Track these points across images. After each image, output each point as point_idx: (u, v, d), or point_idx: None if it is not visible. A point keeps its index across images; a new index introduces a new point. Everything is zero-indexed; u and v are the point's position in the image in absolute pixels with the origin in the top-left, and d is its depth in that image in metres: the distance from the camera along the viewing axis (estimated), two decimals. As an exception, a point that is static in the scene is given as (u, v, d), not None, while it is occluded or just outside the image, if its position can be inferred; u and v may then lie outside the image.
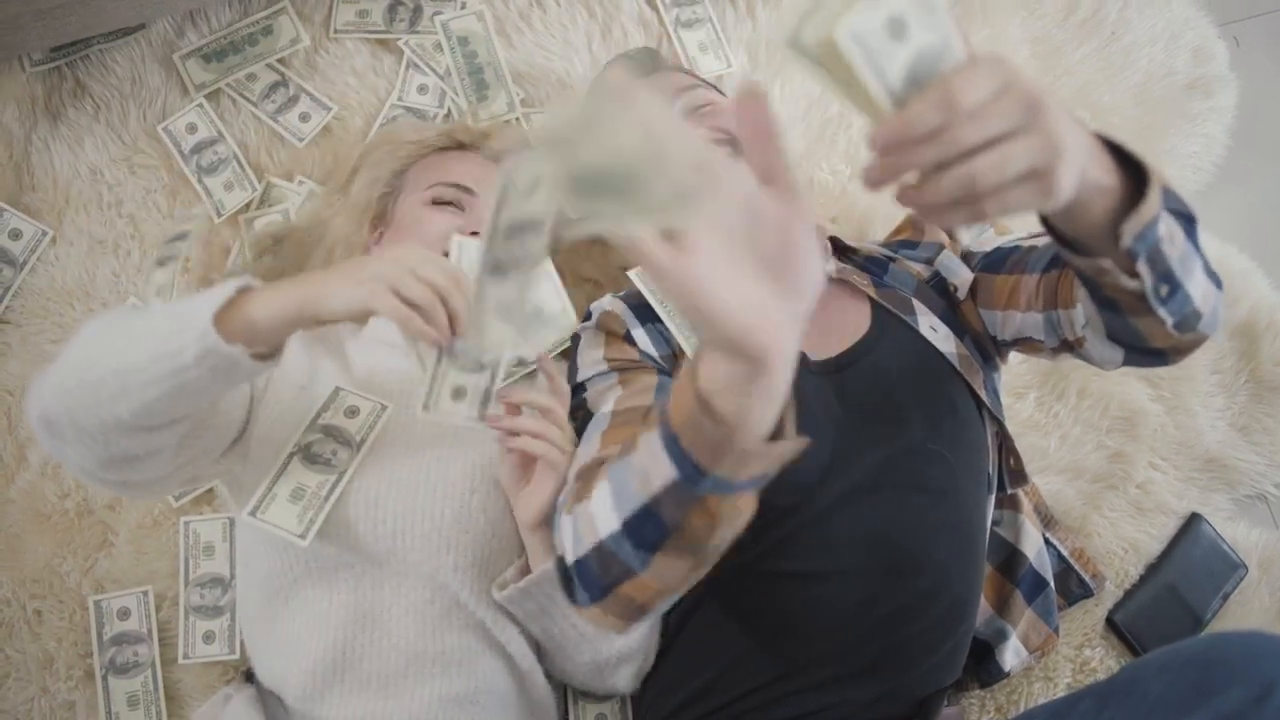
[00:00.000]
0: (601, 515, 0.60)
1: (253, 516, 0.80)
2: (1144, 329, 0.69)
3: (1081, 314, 0.76)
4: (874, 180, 0.50)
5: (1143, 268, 0.61)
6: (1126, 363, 0.77)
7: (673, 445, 0.53)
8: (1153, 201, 0.59)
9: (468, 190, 0.99)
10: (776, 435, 0.52)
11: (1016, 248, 0.91)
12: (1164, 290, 0.64)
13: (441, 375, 0.80)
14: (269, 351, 0.71)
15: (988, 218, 0.50)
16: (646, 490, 0.56)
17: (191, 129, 1.18)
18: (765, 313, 0.44)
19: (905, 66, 0.46)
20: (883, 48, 0.45)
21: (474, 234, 0.90)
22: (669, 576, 0.60)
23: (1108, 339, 0.75)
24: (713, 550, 0.59)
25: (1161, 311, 0.65)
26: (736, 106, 0.44)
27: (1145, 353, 0.74)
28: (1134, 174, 0.59)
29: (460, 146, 1.08)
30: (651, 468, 0.55)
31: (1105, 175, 0.57)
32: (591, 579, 0.62)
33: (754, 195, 0.45)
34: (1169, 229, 0.62)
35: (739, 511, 0.56)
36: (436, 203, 0.98)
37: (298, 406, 0.87)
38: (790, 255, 0.45)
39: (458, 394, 0.81)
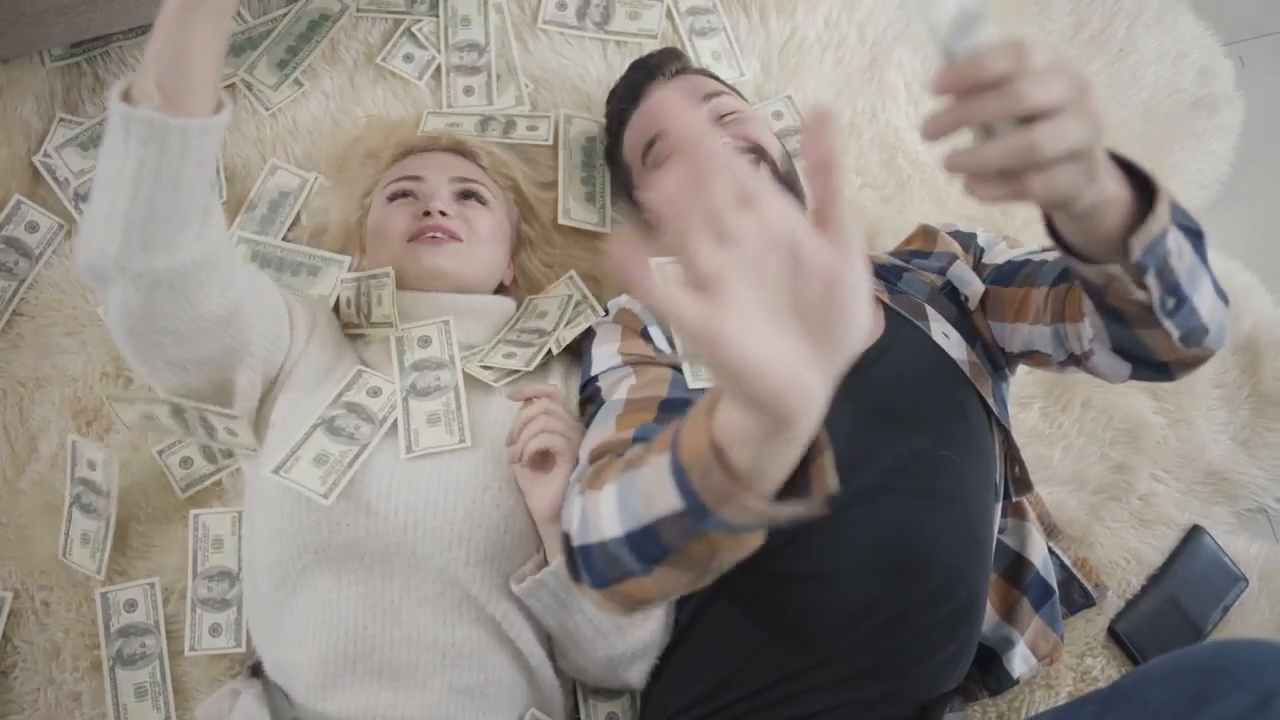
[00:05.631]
0: (607, 518, 0.61)
1: (276, 474, 0.82)
2: (1149, 341, 0.70)
3: (1089, 327, 0.77)
4: (933, 131, 0.50)
5: (1151, 280, 0.62)
6: (1133, 377, 0.78)
7: (680, 478, 0.51)
8: (1161, 215, 0.60)
9: (416, 178, 1.03)
10: (797, 487, 0.50)
11: (1027, 261, 0.92)
12: (1170, 303, 0.65)
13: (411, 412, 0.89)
14: (185, 93, 0.72)
15: (1031, 197, 0.51)
16: (650, 512, 0.55)
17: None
18: (798, 371, 0.40)
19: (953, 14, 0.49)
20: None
21: None
22: (669, 584, 0.60)
23: (1113, 352, 0.76)
24: (715, 570, 0.58)
25: (1168, 324, 0.66)
26: (804, 131, 0.42)
27: (1151, 366, 0.75)
28: (1143, 190, 0.61)
29: (412, 152, 1.11)
30: (657, 493, 0.54)
31: (1117, 186, 0.58)
32: (595, 569, 0.63)
33: (800, 238, 0.39)
34: (1178, 244, 0.63)
35: (743, 546, 0.54)
36: (392, 199, 1.03)
37: (319, 391, 0.90)
38: (833, 308, 0.40)
39: (432, 419, 0.88)
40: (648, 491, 0.55)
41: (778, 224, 0.39)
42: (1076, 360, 0.83)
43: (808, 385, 0.40)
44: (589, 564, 0.64)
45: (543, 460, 0.84)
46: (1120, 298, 0.66)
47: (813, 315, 0.40)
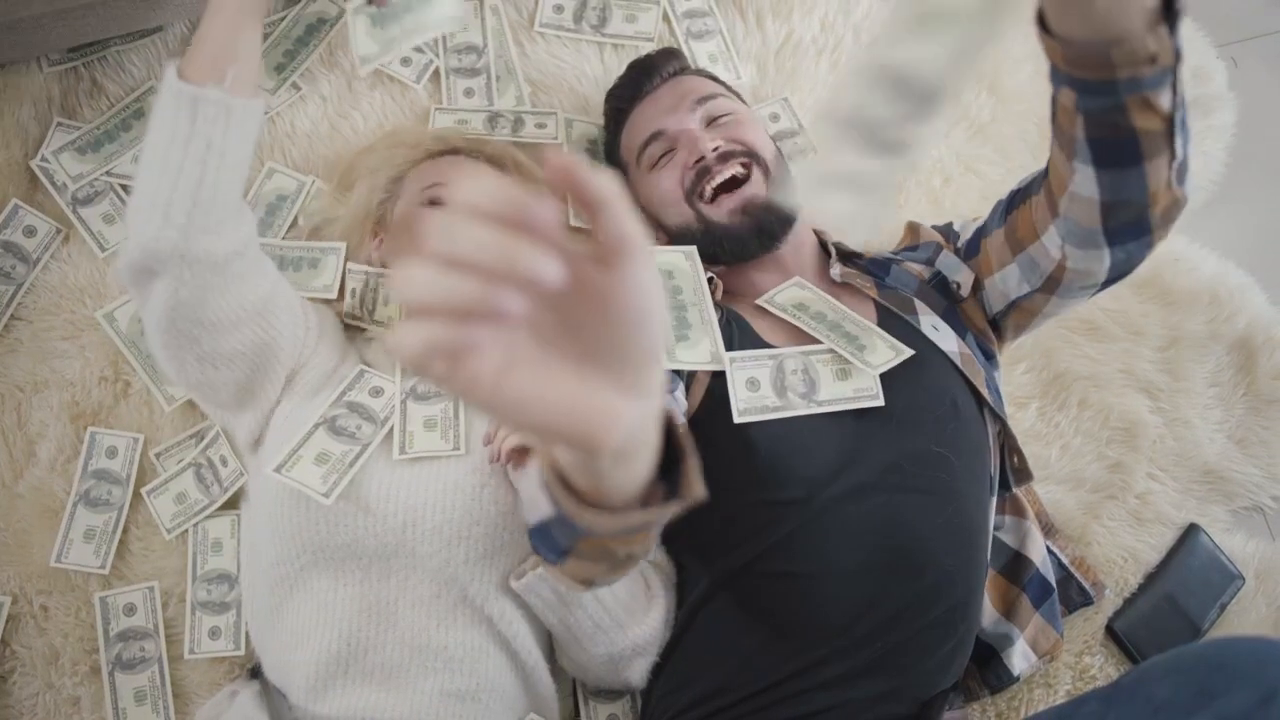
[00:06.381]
0: (525, 507, 0.61)
1: (278, 473, 0.82)
2: (1150, 173, 0.70)
3: (1055, 234, 0.79)
4: None
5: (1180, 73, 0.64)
6: (1112, 264, 0.80)
7: (547, 489, 0.49)
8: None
9: None
10: (675, 489, 0.48)
11: (985, 224, 0.96)
12: (1181, 115, 0.67)
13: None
14: (242, 79, 0.82)
15: None
16: (536, 514, 0.55)
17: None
18: (585, 406, 0.36)
19: None
20: None
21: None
22: (587, 574, 0.59)
23: (1084, 245, 0.78)
24: (626, 558, 0.56)
25: (1176, 143, 0.68)
26: (549, 171, 0.35)
27: (1131, 229, 0.76)
28: None
29: (455, 152, 1.10)
30: (537, 497, 0.53)
31: None
32: (537, 547, 0.61)
33: (565, 287, 0.34)
34: None
35: (634, 543, 0.52)
36: (432, 204, 1.01)
37: (322, 391, 0.90)
38: (618, 341, 0.36)
39: (429, 424, 0.88)
40: (531, 495, 0.56)
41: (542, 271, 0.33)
42: (1054, 280, 0.85)
43: (599, 409, 0.36)
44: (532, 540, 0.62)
45: (523, 456, 0.84)
46: (1144, 106, 0.66)
47: (595, 350, 0.36)
